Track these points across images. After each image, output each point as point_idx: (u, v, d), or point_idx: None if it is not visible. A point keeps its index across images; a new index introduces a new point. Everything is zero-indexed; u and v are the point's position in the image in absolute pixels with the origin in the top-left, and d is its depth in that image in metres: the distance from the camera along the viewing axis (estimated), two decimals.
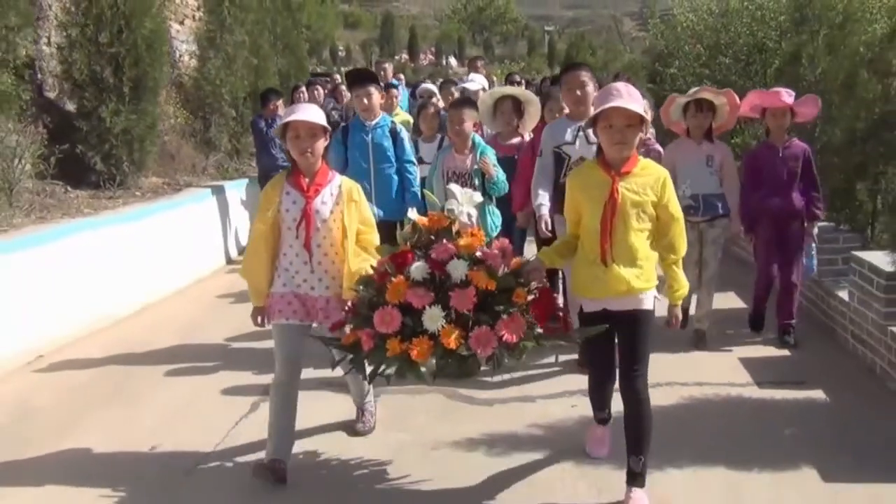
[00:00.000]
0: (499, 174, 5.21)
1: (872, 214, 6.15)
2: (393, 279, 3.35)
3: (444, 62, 58.57)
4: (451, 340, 3.20)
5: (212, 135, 10.53)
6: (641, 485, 3.54)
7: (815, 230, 5.65)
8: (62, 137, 7.88)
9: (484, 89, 8.07)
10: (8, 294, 5.66)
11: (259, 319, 3.92)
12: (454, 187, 3.61)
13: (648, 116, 4.53)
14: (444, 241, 3.44)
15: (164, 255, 7.51)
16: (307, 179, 3.74)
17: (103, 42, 7.83)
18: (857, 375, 5.17)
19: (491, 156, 5.29)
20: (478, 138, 5.42)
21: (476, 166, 5.21)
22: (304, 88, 9.95)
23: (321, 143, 3.74)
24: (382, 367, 3.36)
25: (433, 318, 3.25)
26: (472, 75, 9.62)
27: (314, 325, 3.87)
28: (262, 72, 11.49)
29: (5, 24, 6.35)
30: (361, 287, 3.54)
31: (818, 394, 4.90)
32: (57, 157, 7.53)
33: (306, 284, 3.79)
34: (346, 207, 3.78)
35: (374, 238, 3.89)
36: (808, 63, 7.17)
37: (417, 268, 3.36)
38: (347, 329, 3.56)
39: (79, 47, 7.84)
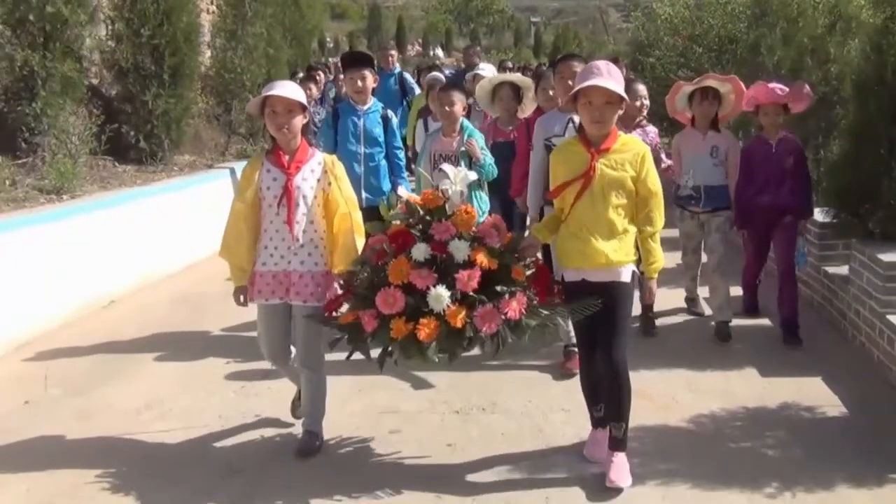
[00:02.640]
0: (486, 157, 5.22)
1: (817, 182, 7.16)
2: (393, 259, 3.40)
3: (430, 53, 59.31)
4: (458, 320, 3.24)
5: (232, 118, 11.50)
6: (623, 449, 3.72)
7: (807, 226, 5.76)
8: (106, 119, 8.85)
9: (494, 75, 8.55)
10: (84, 249, 6.67)
11: (241, 298, 3.95)
12: (447, 167, 3.69)
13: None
14: (442, 220, 3.50)
15: (205, 221, 8.48)
16: (287, 156, 3.74)
17: (146, 34, 8.80)
18: (800, 309, 6.27)
19: (479, 139, 5.31)
20: (466, 122, 5.44)
21: (463, 149, 5.21)
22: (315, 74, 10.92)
23: (298, 120, 3.73)
24: (389, 348, 3.40)
25: (439, 299, 3.28)
26: (483, 64, 9.84)
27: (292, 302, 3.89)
28: (275, 61, 12.45)
29: (77, 21, 7.32)
30: (358, 267, 3.61)
31: (765, 322, 6.03)
32: (107, 135, 8.49)
33: (284, 261, 3.80)
34: (333, 183, 3.81)
35: (358, 216, 3.91)
36: (766, 52, 8.21)
37: (419, 248, 3.40)
38: (344, 309, 3.64)
39: (125, 39, 8.82)
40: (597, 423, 3.91)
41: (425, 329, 3.25)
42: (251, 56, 11.38)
